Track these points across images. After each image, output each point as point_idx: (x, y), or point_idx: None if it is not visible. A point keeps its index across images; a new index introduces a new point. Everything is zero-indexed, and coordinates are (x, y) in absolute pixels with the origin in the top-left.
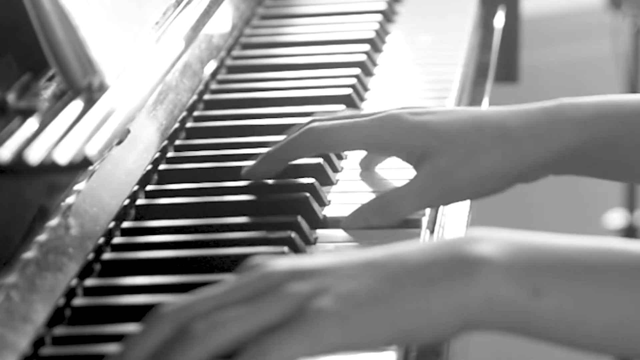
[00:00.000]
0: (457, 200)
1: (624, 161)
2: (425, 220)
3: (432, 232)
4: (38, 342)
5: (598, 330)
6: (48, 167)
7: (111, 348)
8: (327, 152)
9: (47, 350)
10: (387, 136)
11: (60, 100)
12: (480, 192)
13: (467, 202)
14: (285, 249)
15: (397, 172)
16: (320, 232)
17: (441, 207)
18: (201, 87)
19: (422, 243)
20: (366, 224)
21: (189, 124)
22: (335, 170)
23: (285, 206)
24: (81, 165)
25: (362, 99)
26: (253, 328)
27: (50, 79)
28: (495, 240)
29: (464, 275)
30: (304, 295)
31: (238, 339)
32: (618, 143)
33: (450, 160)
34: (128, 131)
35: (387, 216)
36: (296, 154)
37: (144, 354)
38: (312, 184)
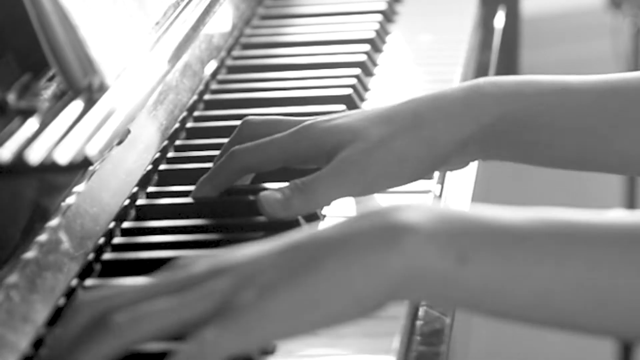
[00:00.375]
0: (375, 190)
1: (543, 142)
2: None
3: None
4: (38, 342)
5: (524, 300)
6: (48, 167)
7: None
8: (252, 172)
9: (47, 351)
10: (302, 147)
11: (61, 100)
12: (398, 177)
13: (468, 199)
14: None
15: None
16: None
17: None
18: (201, 87)
19: (343, 220)
20: (282, 208)
21: (189, 124)
22: None
23: None
24: (81, 166)
25: (362, 99)
26: (174, 323)
27: (51, 79)
28: (421, 209)
29: (386, 244)
30: (226, 291)
31: (158, 334)
32: (535, 122)
33: (363, 148)
34: (128, 131)
35: (307, 196)
36: (224, 179)
37: (64, 342)
38: None
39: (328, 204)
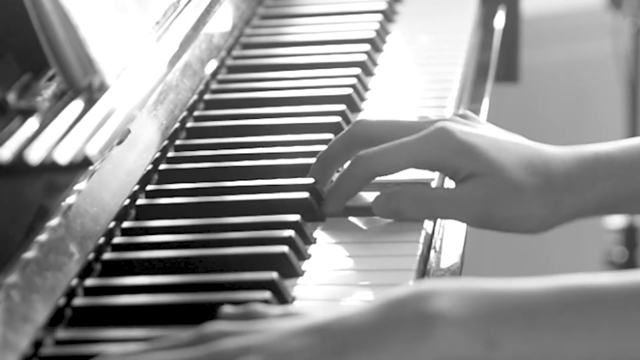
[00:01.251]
0: (487, 227)
1: None
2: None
3: (432, 232)
4: (38, 342)
5: None
6: (48, 167)
7: (112, 348)
8: (378, 176)
9: (47, 350)
10: (435, 156)
11: (61, 100)
12: (515, 227)
13: None
14: (286, 248)
15: None
16: (320, 232)
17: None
18: (201, 86)
19: (371, 303)
20: (394, 213)
21: (189, 124)
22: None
23: (285, 206)
24: (81, 165)
25: (362, 99)
26: None
27: (51, 78)
28: (447, 294)
29: (417, 336)
30: (232, 351)
31: None
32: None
33: (496, 188)
34: (128, 131)
35: (421, 209)
36: (352, 188)
37: None
38: (312, 184)
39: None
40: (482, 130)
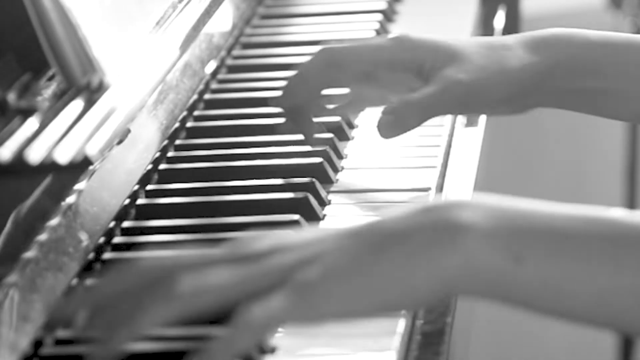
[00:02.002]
0: (470, 112)
1: (609, 92)
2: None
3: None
4: (38, 342)
5: (581, 301)
6: (48, 167)
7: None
8: (340, 72)
9: (47, 350)
10: (397, 54)
11: (61, 99)
12: (496, 103)
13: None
14: None
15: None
16: None
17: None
18: (202, 86)
19: (405, 208)
20: (389, 131)
21: (189, 124)
22: (335, 169)
23: (285, 205)
24: (81, 165)
25: None
26: (237, 295)
27: (51, 78)
28: (479, 207)
29: (446, 243)
30: (289, 267)
31: (220, 304)
32: (602, 70)
33: (469, 69)
34: (128, 131)
35: (398, 127)
36: (312, 76)
37: (118, 295)
38: (312, 182)
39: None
40: (438, 38)
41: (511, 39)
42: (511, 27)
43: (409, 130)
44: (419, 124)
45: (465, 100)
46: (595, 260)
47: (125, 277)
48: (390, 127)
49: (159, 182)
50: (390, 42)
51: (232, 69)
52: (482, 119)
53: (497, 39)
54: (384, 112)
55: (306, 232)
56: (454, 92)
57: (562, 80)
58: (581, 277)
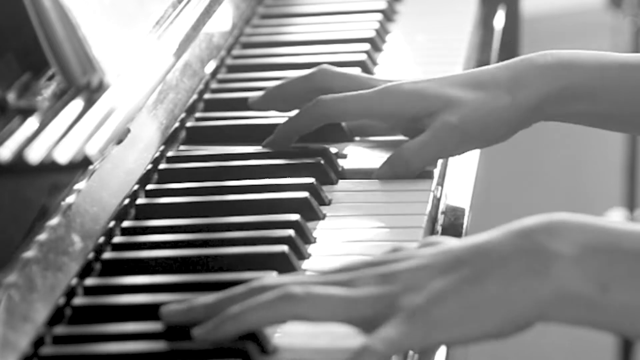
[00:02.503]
0: (467, 151)
1: (604, 113)
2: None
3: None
4: (38, 342)
5: None
6: (48, 167)
7: (111, 347)
8: (333, 122)
9: (47, 350)
10: (387, 106)
11: (61, 99)
12: (491, 141)
13: (468, 198)
14: (285, 247)
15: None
16: (320, 231)
17: (442, 206)
18: (201, 86)
19: (504, 229)
20: (386, 176)
21: (189, 123)
22: (336, 170)
23: (285, 205)
24: (81, 165)
25: None
26: (341, 314)
27: (51, 78)
28: (570, 231)
29: (540, 272)
30: (395, 296)
31: (324, 317)
32: (596, 95)
33: (462, 114)
34: (128, 130)
35: (400, 169)
36: (304, 125)
37: (234, 296)
38: (312, 183)
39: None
40: (428, 79)
41: (502, 71)
42: (511, 26)
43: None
44: (415, 173)
45: (460, 143)
46: None
47: (237, 290)
48: (389, 177)
49: (158, 182)
50: (380, 93)
51: (232, 69)
52: None
53: (487, 74)
54: (382, 165)
55: (410, 260)
56: (449, 137)
57: (554, 108)
58: None
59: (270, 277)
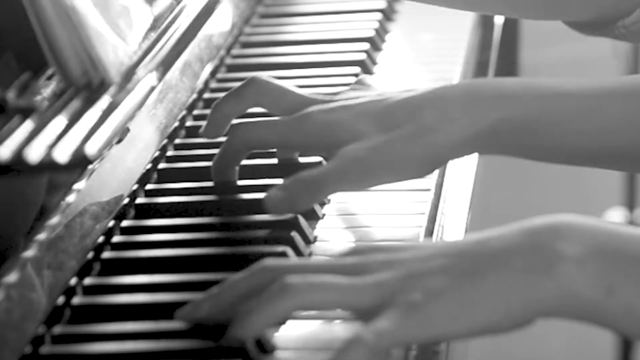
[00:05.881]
0: (377, 184)
1: (543, 145)
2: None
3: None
4: (37, 341)
5: None
6: (47, 166)
7: (110, 347)
8: (251, 150)
9: (46, 349)
10: (301, 137)
11: (60, 98)
12: (400, 176)
13: (467, 198)
14: (286, 247)
15: None
16: (319, 231)
17: (441, 205)
18: (201, 85)
19: (510, 228)
20: (288, 207)
21: (188, 123)
22: None
23: None
24: (81, 164)
25: None
26: (345, 302)
27: (50, 77)
28: (576, 236)
29: (542, 270)
30: (395, 286)
31: (324, 307)
32: (535, 127)
33: (366, 148)
34: (128, 130)
35: (288, 205)
36: (232, 158)
37: (238, 292)
38: None
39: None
40: (345, 104)
41: (426, 107)
42: (511, 26)
43: (299, 210)
44: (310, 204)
45: (364, 177)
46: None
47: (245, 278)
48: (280, 203)
49: (158, 181)
50: (293, 125)
51: (232, 68)
52: None
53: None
54: (275, 187)
55: (415, 249)
56: (352, 169)
57: (502, 144)
58: None
59: (271, 260)
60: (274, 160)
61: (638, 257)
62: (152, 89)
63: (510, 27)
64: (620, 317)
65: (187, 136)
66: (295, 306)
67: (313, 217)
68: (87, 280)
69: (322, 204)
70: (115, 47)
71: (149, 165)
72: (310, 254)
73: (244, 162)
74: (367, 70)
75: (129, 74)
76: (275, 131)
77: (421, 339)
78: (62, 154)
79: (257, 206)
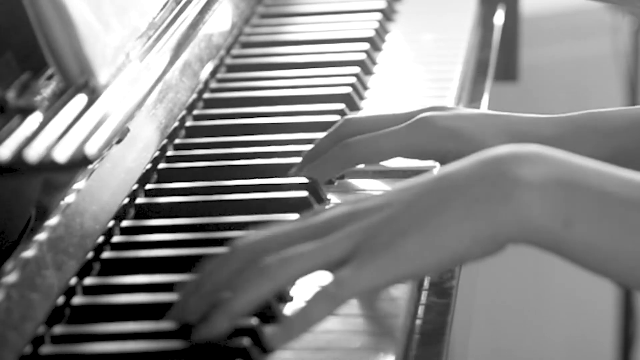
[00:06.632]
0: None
1: None
2: None
3: None
4: (37, 341)
5: (625, 266)
6: (47, 166)
7: (110, 346)
8: (364, 163)
9: (46, 349)
10: (421, 143)
11: (60, 98)
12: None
13: None
14: None
15: None
16: None
17: None
18: (201, 85)
19: (471, 159)
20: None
21: (188, 123)
22: None
23: (285, 205)
24: (81, 164)
25: (361, 98)
26: (317, 264)
27: (50, 77)
28: (538, 161)
29: (501, 197)
30: (362, 233)
31: (304, 274)
32: None
33: None
34: (127, 130)
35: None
36: (334, 169)
37: (217, 283)
38: (311, 182)
39: None
40: (463, 114)
41: (541, 125)
42: (510, 25)
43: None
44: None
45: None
46: (638, 230)
47: (219, 264)
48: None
49: (158, 181)
50: (411, 130)
51: (231, 68)
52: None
53: (520, 124)
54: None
55: (378, 197)
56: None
57: None
58: (626, 246)
59: (240, 241)
60: (274, 160)
61: (601, 193)
62: (152, 88)
63: (510, 27)
64: (579, 252)
65: (187, 136)
66: (275, 285)
67: (319, 200)
68: (87, 280)
69: (322, 203)
70: (112, 46)
71: (149, 165)
72: None
73: (243, 162)
74: (367, 70)
75: (129, 74)
76: (393, 139)
77: (391, 280)
78: (62, 154)
79: (257, 206)
